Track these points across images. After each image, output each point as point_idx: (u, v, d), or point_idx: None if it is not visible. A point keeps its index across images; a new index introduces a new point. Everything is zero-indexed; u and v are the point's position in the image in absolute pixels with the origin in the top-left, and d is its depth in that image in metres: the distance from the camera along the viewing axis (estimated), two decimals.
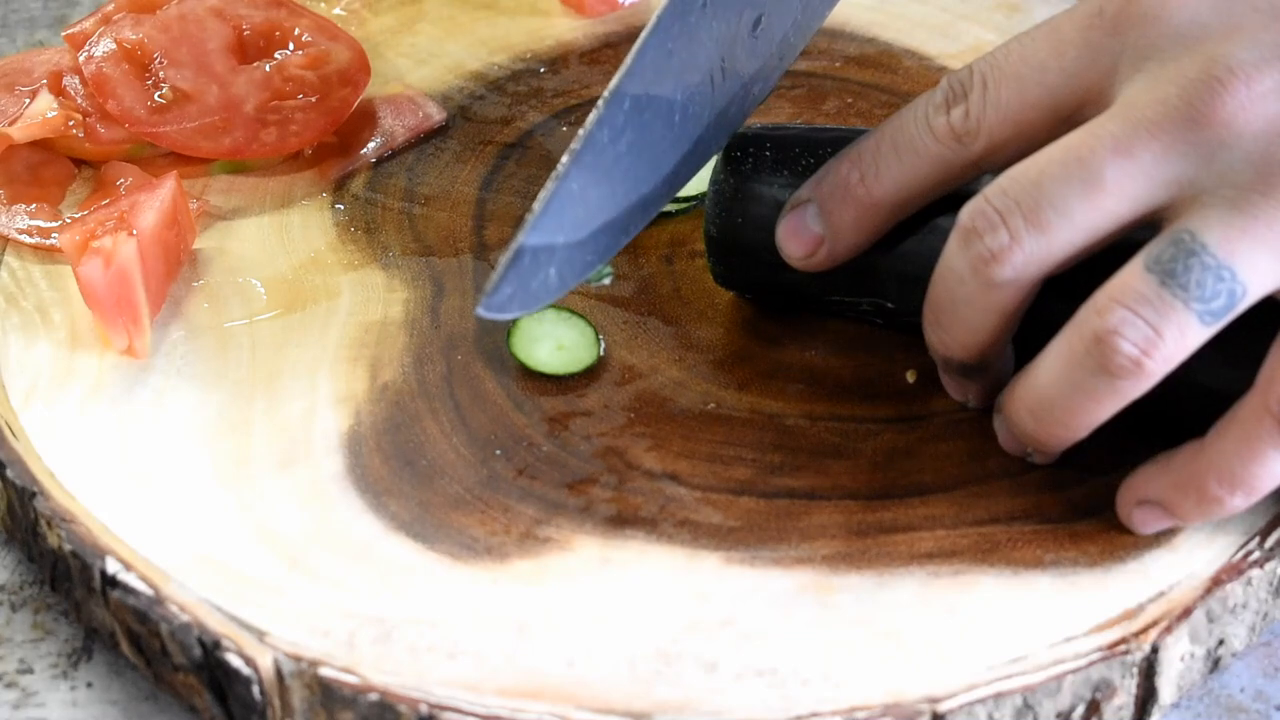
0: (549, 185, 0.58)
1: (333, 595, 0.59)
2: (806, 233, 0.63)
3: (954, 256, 0.58)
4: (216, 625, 0.57)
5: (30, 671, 0.61)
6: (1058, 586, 0.59)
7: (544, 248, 0.57)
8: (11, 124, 0.75)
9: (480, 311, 0.56)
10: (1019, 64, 0.60)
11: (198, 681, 0.58)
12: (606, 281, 0.61)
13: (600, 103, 0.59)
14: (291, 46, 0.79)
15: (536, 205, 0.57)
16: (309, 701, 0.56)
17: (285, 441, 0.64)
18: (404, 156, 0.78)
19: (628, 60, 0.60)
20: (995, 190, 0.57)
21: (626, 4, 0.85)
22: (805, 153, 0.65)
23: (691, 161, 0.64)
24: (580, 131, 0.59)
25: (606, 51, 0.83)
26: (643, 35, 0.60)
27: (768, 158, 0.65)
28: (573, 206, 0.58)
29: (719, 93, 0.63)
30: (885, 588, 0.59)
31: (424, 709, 0.55)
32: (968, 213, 0.58)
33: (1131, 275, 0.55)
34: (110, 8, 0.79)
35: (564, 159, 0.58)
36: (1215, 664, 0.60)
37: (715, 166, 0.66)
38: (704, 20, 0.62)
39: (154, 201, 0.70)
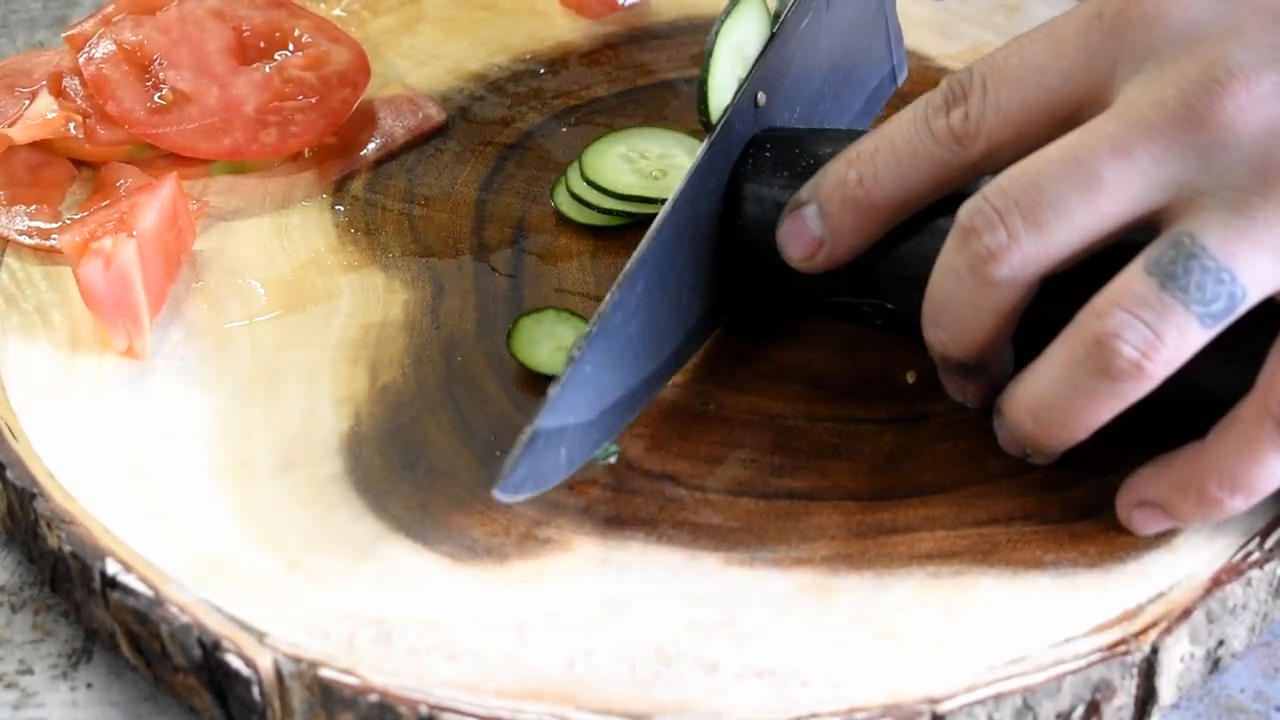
0: (565, 368, 0.58)
1: (333, 596, 0.59)
2: (806, 234, 0.63)
3: (952, 255, 0.58)
4: (216, 626, 0.57)
5: (30, 672, 0.61)
6: (1057, 587, 0.59)
7: (556, 429, 0.58)
8: (11, 125, 0.75)
9: (496, 494, 0.57)
10: (1019, 66, 0.60)
11: (198, 682, 0.58)
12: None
13: (614, 286, 0.60)
14: (291, 48, 0.79)
15: (552, 389, 0.58)
16: (309, 703, 0.56)
17: (285, 442, 0.64)
18: (404, 157, 0.78)
19: (642, 245, 0.61)
20: (994, 189, 0.57)
21: (626, 5, 0.85)
22: (805, 154, 0.65)
23: (694, 340, 0.65)
24: (594, 314, 0.60)
25: (606, 52, 0.83)
26: (657, 220, 0.62)
27: (768, 159, 0.65)
28: (585, 388, 0.59)
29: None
30: (885, 588, 0.59)
31: (424, 710, 0.55)
32: (966, 211, 0.58)
33: (1131, 278, 0.55)
34: (110, 9, 0.79)
35: (579, 341, 0.59)
36: (1215, 664, 0.60)
37: None
38: (712, 206, 0.64)
39: (154, 203, 0.69)
